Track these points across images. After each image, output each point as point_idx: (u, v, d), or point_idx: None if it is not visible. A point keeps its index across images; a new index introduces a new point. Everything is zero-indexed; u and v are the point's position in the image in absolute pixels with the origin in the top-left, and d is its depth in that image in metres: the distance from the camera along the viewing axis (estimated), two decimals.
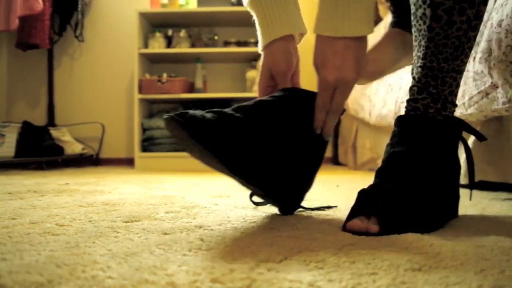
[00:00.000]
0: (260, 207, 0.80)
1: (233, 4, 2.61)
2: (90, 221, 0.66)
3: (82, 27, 2.78)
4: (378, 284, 0.35)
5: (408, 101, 0.68)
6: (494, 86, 0.89)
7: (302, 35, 0.77)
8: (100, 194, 1.06)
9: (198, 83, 2.63)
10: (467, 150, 0.69)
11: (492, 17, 0.91)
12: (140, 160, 2.49)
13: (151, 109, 2.81)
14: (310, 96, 0.67)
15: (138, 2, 2.83)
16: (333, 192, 1.12)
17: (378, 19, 2.18)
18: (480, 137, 0.69)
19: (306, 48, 0.81)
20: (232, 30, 2.82)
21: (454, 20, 0.63)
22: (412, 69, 0.68)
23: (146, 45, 2.63)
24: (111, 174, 1.95)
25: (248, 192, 0.76)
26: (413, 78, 0.68)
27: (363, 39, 0.63)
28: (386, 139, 1.90)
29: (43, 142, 2.36)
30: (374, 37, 0.89)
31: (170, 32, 2.68)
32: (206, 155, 0.61)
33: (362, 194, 0.62)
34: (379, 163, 2.05)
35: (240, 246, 0.49)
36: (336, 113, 0.66)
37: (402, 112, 1.13)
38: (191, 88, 2.68)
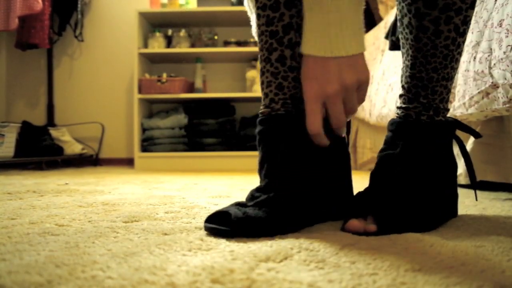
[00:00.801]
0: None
1: (233, 4, 2.61)
2: (89, 221, 0.66)
3: (81, 27, 2.78)
4: (378, 284, 0.35)
5: (399, 107, 0.67)
6: (494, 86, 0.89)
7: None
8: (99, 194, 1.06)
9: (198, 83, 2.63)
10: (463, 150, 0.69)
11: (493, 16, 0.91)
12: (139, 160, 2.49)
13: (151, 109, 2.81)
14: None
15: (138, 2, 2.83)
16: None
17: (378, 19, 2.18)
18: (475, 134, 0.68)
19: None
20: (232, 30, 2.82)
21: (441, 30, 0.61)
22: (402, 76, 0.67)
23: (146, 45, 2.63)
24: (110, 174, 1.94)
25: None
26: (403, 87, 0.67)
27: (356, 55, 0.56)
28: None
29: (42, 142, 2.36)
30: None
31: (170, 32, 2.68)
32: None
33: (358, 196, 0.62)
34: None
35: (240, 246, 0.48)
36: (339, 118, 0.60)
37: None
38: (191, 88, 2.67)
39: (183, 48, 2.59)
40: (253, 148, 2.44)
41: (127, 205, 0.85)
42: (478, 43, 0.96)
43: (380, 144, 2.00)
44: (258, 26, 0.61)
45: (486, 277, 0.37)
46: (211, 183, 1.43)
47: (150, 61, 2.78)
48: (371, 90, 1.85)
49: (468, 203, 0.86)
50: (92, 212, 0.75)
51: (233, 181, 1.54)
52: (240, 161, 2.43)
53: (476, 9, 0.98)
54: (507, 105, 0.88)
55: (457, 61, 0.65)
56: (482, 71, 0.92)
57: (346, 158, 0.66)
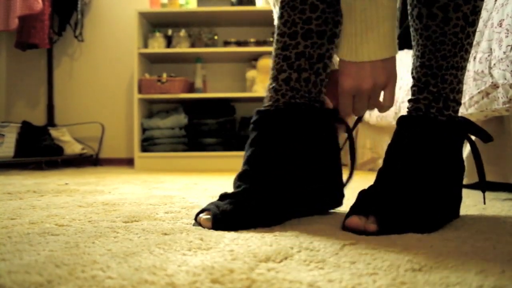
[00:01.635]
0: None
1: (233, 4, 2.61)
2: (89, 221, 0.66)
3: (81, 27, 2.78)
4: (378, 284, 0.35)
5: (409, 100, 0.67)
6: (494, 86, 0.89)
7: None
8: (99, 194, 1.06)
9: (198, 83, 2.63)
10: (475, 151, 0.68)
11: (493, 16, 0.91)
12: (139, 160, 2.49)
13: (151, 109, 2.80)
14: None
15: (138, 2, 2.83)
16: None
17: None
18: (485, 137, 0.67)
19: None
20: (232, 30, 2.82)
21: (450, 17, 0.62)
22: (412, 69, 0.68)
23: (146, 45, 2.63)
24: (110, 174, 1.94)
25: None
26: (413, 77, 0.67)
27: (388, 58, 0.62)
28: (386, 139, 1.90)
29: (42, 142, 2.36)
30: None
31: (170, 32, 2.68)
32: None
33: (362, 194, 0.62)
34: (379, 163, 2.05)
35: (240, 245, 0.48)
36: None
37: (403, 112, 1.13)
38: (191, 88, 2.67)
39: (183, 48, 2.59)
40: None
41: (127, 205, 0.85)
42: (478, 43, 0.96)
43: (380, 144, 2.00)
44: (274, 49, 0.69)
45: (487, 277, 0.37)
46: (211, 183, 1.43)
47: (150, 61, 2.78)
48: None
49: (469, 203, 0.86)
50: (92, 212, 0.75)
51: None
52: (240, 161, 2.42)
53: None
54: (507, 105, 0.88)
55: (467, 51, 0.65)
56: (482, 71, 0.92)
57: (336, 157, 0.70)
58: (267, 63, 2.55)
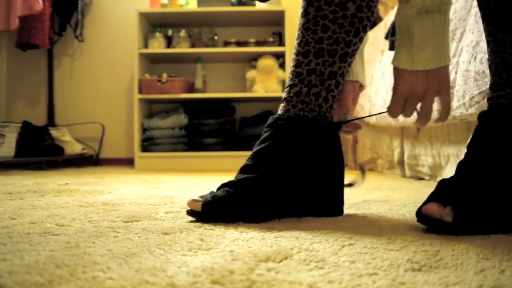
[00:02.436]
0: None
1: (233, 4, 2.61)
2: (90, 221, 0.66)
3: (82, 27, 2.78)
4: (378, 284, 0.35)
5: (489, 98, 0.65)
6: None
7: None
8: (100, 194, 1.06)
9: (198, 83, 2.63)
10: None
11: None
12: (140, 160, 2.49)
13: (151, 109, 2.81)
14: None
15: (138, 2, 2.83)
16: None
17: (378, 19, 2.18)
18: None
19: None
20: (232, 30, 2.82)
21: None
22: (490, 66, 0.66)
23: (146, 45, 2.63)
24: (111, 174, 1.95)
25: None
26: (493, 74, 0.65)
27: (442, 66, 0.65)
28: (386, 139, 1.90)
29: (43, 142, 2.36)
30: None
31: (170, 32, 2.68)
32: None
33: (442, 182, 0.61)
34: (379, 163, 2.05)
35: (240, 246, 0.49)
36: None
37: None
38: (191, 88, 2.68)
39: (183, 48, 2.60)
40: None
41: (127, 205, 0.85)
42: (478, 43, 0.96)
43: (379, 144, 2.00)
44: (290, 67, 0.74)
45: (486, 277, 0.37)
46: (211, 183, 1.43)
47: (150, 61, 2.78)
48: (370, 90, 1.85)
49: None
50: (92, 212, 0.76)
51: None
52: (240, 161, 2.42)
53: (476, 9, 0.98)
54: None
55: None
56: (483, 72, 0.92)
57: (340, 165, 0.72)
58: (267, 63, 2.55)
